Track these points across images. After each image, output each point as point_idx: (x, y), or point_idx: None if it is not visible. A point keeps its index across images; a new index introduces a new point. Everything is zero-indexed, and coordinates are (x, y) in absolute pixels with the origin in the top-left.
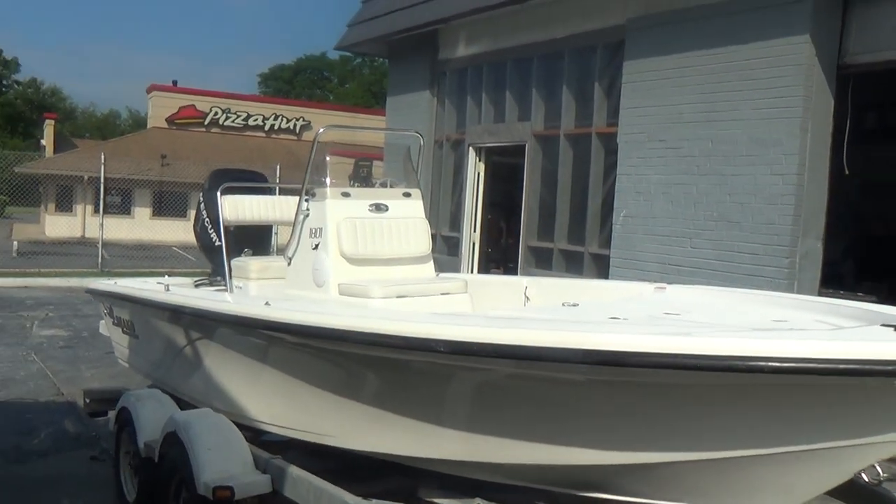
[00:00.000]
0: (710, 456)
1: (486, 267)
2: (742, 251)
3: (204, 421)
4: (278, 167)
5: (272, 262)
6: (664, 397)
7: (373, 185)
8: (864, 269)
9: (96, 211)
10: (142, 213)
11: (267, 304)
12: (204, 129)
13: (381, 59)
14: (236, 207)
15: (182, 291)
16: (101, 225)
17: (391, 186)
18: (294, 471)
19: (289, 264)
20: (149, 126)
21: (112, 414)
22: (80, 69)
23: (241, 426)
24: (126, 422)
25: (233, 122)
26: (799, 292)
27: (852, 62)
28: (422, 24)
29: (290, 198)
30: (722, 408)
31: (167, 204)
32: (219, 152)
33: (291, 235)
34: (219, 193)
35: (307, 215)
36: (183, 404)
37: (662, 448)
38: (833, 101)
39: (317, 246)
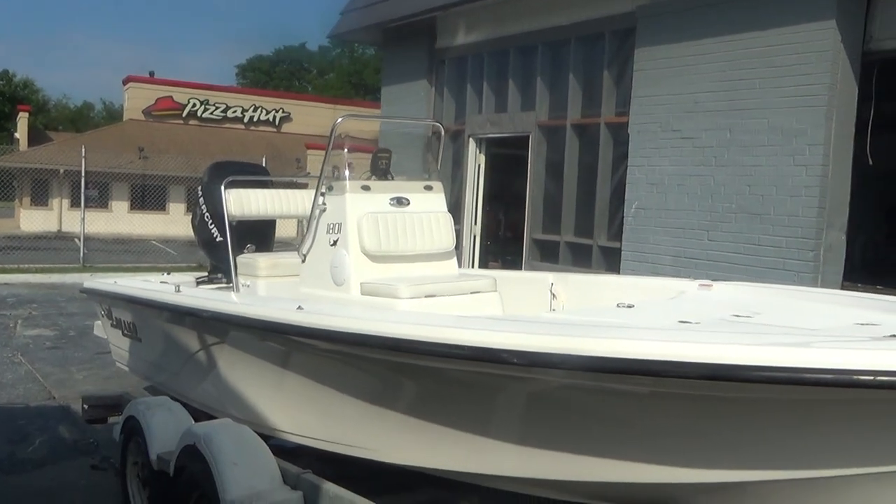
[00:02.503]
0: (808, 475)
1: (484, 260)
2: (763, 244)
3: (227, 433)
4: (264, 159)
5: (281, 259)
6: (759, 412)
7: (386, 178)
8: (885, 261)
9: (73, 205)
10: (119, 206)
11: (300, 308)
12: (182, 122)
13: (362, 50)
14: (241, 201)
15: (193, 292)
16: (83, 219)
17: (393, 179)
18: (330, 488)
19: (303, 261)
20: (125, 118)
21: (117, 422)
22: (53, 61)
23: (261, 436)
24: (134, 431)
25: (211, 113)
26: (822, 286)
27: (877, 48)
28: (420, 12)
29: (296, 191)
30: (828, 424)
31: (146, 197)
32: (197, 145)
33: (307, 231)
34: (223, 187)
35: (324, 210)
36: (192, 411)
37: (754, 466)
38: (857, 89)
39: (335, 242)
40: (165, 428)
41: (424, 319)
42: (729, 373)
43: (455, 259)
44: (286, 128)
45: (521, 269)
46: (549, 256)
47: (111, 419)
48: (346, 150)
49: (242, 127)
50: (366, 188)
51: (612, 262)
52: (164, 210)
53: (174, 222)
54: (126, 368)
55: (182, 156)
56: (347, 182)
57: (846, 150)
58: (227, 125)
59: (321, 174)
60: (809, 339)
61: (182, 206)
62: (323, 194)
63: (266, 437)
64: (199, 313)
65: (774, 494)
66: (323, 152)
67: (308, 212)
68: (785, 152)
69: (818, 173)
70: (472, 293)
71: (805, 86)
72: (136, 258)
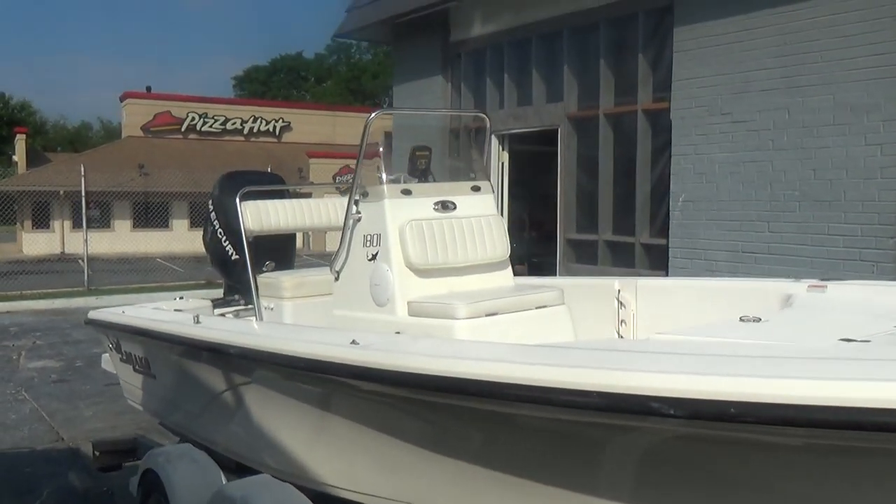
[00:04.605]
0: None
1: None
2: (834, 234)
3: (269, 495)
4: (269, 170)
5: (308, 277)
6: None
7: (427, 180)
8: None
9: (75, 226)
10: (122, 225)
11: (354, 342)
12: (181, 136)
13: (359, 56)
14: (259, 215)
15: (215, 324)
16: (86, 241)
17: (435, 180)
18: None
19: (336, 279)
20: (123, 135)
21: (133, 475)
22: (48, 82)
23: (302, 489)
24: (153, 486)
25: (210, 126)
26: None
27: None
28: (432, 3)
29: (319, 200)
30: None
31: (148, 215)
32: (198, 159)
33: (339, 245)
34: (238, 199)
35: (359, 219)
36: (217, 458)
37: None
38: None
39: (374, 256)
40: (191, 484)
41: (523, 355)
42: None
43: (510, 268)
44: (287, 137)
45: (553, 272)
46: (586, 257)
47: (126, 464)
48: (381, 149)
49: (242, 138)
50: (406, 192)
51: (657, 261)
52: (168, 227)
53: (178, 239)
54: (140, 408)
55: (183, 171)
56: (385, 186)
57: None
58: (227, 138)
59: (354, 179)
60: None
61: (185, 222)
62: (357, 202)
63: (310, 491)
64: (227, 350)
65: None
66: (325, 160)
67: (333, 222)
68: (855, 131)
69: None
70: (537, 308)
71: (877, 55)
72: (142, 277)
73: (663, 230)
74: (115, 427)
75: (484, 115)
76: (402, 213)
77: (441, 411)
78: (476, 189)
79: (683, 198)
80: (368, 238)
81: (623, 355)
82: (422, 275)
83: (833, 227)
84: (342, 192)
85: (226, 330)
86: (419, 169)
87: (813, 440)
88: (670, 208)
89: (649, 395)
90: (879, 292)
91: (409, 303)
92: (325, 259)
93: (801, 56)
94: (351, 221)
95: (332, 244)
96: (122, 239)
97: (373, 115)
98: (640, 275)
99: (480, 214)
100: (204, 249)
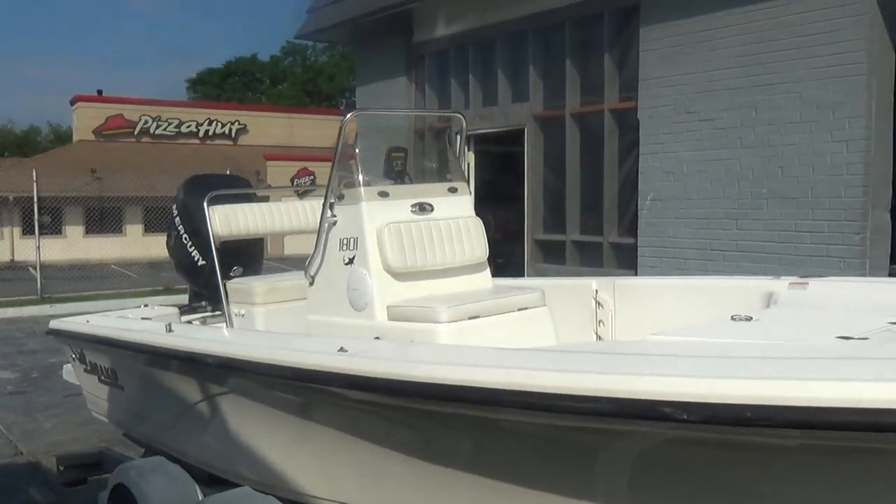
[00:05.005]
0: None
1: None
2: (801, 230)
3: None
4: (228, 172)
5: (280, 282)
6: None
7: (403, 182)
8: None
9: (25, 233)
10: (74, 231)
11: (342, 350)
12: (134, 140)
13: (314, 58)
14: (228, 219)
15: (189, 332)
16: (38, 248)
17: (412, 182)
18: None
19: (311, 284)
20: (75, 139)
21: (102, 491)
22: None
23: (282, 500)
24: (125, 502)
25: (164, 129)
26: (871, 271)
27: None
28: (395, 4)
29: (288, 203)
30: None
31: (102, 220)
32: (152, 162)
33: (315, 248)
34: (206, 204)
35: (335, 223)
36: (190, 470)
37: None
38: (895, 54)
39: (351, 260)
40: (164, 498)
41: (527, 360)
42: None
43: (488, 270)
44: (243, 140)
45: (520, 273)
46: (553, 258)
47: (92, 478)
48: (357, 150)
49: (198, 142)
50: (383, 194)
51: (626, 260)
52: (122, 232)
53: (132, 244)
54: (104, 419)
55: (137, 175)
56: (362, 189)
57: (887, 121)
58: (182, 141)
59: (329, 182)
60: None
61: (140, 227)
62: (332, 205)
63: (291, 503)
64: (205, 359)
65: None
66: (282, 163)
67: (304, 225)
68: (821, 128)
69: (861, 148)
70: (519, 310)
71: (839, 54)
72: (97, 284)
73: (632, 229)
74: (77, 439)
75: (461, 116)
76: (379, 215)
77: (434, 419)
78: (453, 190)
79: (651, 196)
80: (345, 242)
81: (626, 358)
82: (400, 278)
83: (800, 223)
84: (300, 195)
85: (203, 339)
86: (395, 170)
87: (828, 442)
88: (638, 207)
89: (661, 400)
90: (859, 288)
91: (388, 307)
92: (285, 263)
93: (766, 55)
94: (326, 225)
95: (290, 248)
96: (74, 245)
97: (348, 116)
98: (609, 274)
99: (458, 216)
100: (168, 255)
